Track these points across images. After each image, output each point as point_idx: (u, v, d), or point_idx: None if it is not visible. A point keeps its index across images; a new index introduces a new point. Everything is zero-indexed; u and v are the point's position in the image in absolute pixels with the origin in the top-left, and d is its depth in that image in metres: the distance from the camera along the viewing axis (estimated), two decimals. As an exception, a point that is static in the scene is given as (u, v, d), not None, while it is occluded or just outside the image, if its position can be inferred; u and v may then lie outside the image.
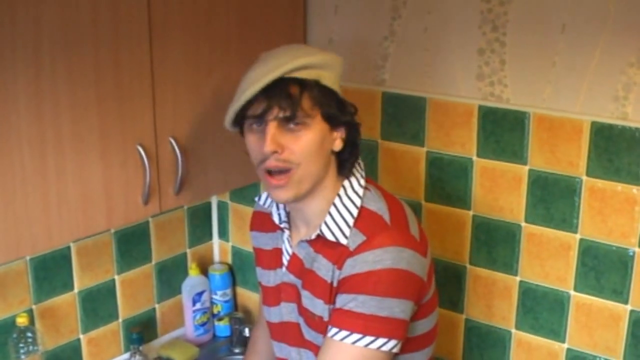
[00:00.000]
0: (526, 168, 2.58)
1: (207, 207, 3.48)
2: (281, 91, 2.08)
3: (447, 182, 2.76)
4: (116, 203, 2.46)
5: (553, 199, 2.55)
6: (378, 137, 2.89)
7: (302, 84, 2.10)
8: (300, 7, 2.96)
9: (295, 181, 2.14)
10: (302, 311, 2.30)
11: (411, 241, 2.17)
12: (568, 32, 2.42)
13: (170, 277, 3.38)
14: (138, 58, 2.42)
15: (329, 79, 2.16)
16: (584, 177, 2.48)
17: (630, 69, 2.34)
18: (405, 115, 2.81)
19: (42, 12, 2.17)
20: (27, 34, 2.15)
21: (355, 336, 2.10)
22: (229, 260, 3.56)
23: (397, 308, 2.11)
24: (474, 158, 2.68)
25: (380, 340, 2.10)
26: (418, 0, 2.70)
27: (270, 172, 2.15)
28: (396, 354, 2.17)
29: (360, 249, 2.12)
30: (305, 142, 2.12)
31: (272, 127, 2.09)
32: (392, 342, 2.12)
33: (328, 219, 2.20)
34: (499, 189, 2.65)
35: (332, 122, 2.16)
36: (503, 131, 2.60)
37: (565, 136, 2.49)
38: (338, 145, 2.20)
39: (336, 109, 2.17)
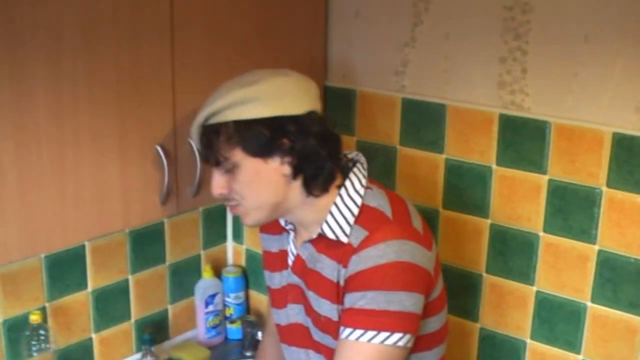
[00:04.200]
0: (545, 177, 2.57)
1: (222, 210, 3.47)
2: (203, 140, 2.22)
3: (466, 189, 2.75)
4: (133, 202, 2.46)
5: (572, 210, 2.54)
6: (397, 144, 2.88)
7: (216, 130, 2.16)
8: (321, 11, 2.95)
9: (248, 211, 2.23)
10: (310, 312, 2.31)
11: (414, 234, 2.16)
12: (590, 42, 2.41)
13: (183, 278, 3.37)
14: (159, 58, 2.41)
15: (250, 112, 2.12)
16: (604, 188, 2.46)
17: (653, 80, 2.34)
18: (425, 122, 2.80)
19: (63, 11, 2.16)
20: (48, 32, 2.14)
21: (370, 334, 2.09)
22: (243, 263, 3.55)
23: (407, 302, 2.10)
24: (493, 166, 2.67)
25: (396, 336, 2.09)
26: (440, 7, 2.70)
27: None
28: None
29: (363, 244, 2.12)
30: (240, 181, 2.18)
31: (215, 173, 2.22)
32: (407, 337, 2.12)
33: (329, 218, 2.20)
34: (518, 198, 2.64)
35: (260, 154, 2.15)
36: (523, 140, 2.59)
37: (585, 146, 2.47)
38: (286, 170, 2.17)
39: (262, 140, 2.14)
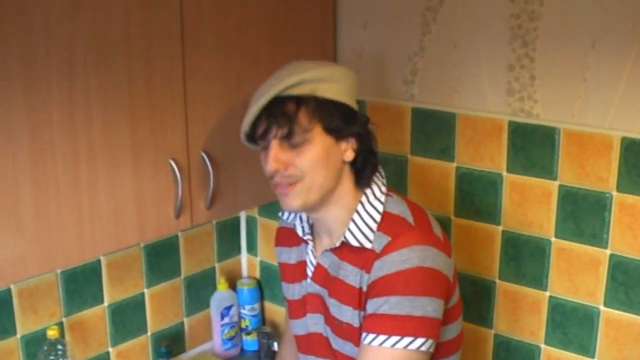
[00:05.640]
0: (556, 183, 2.58)
1: (236, 222, 3.50)
2: (277, 110, 2.15)
3: (477, 197, 2.77)
4: (148, 216, 2.48)
5: (583, 214, 2.55)
6: (407, 152, 2.90)
7: (298, 100, 2.15)
8: (329, 21, 2.97)
9: (302, 191, 2.19)
10: (329, 320, 2.32)
11: (435, 240, 2.19)
12: (598, 47, 2.42)
13: (198, 291, 3.39)
14: (170, 72, 2.44)
15: (329, 91, 2.18)
16: (614, 193, 2.47)
17: (662, 84, 2.34)
18: (435, 131, 2.81)
19: (75, 27, 2.19)
20: (61, 48, 2.17)
21: (394, 339, 2.10)
22: (257, 274, 3.56)
23: (430, 307, 2.12)
24: (504, 173, 2.68)
25: (419, 341, 2.10)
26: (448, 16, 2.71)
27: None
28: None
29: (386, 249, 2.14)
30: (308, 157, 2.16)
31: (274, 146, 2.17)
32: (430, 342, 2.13)
33: (352, 226, 2.22)
34: (529, 204, 2.65)
35: (336, 134, 2.19)
36: (533, 146, 2.60)
37: (595, 151, 2.48)
38: (349, 155, 2.23)
39: (339, 120, 2.19)
